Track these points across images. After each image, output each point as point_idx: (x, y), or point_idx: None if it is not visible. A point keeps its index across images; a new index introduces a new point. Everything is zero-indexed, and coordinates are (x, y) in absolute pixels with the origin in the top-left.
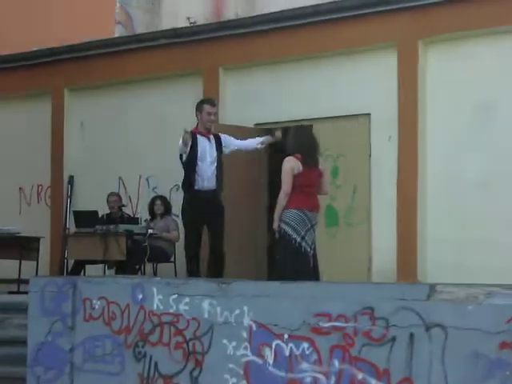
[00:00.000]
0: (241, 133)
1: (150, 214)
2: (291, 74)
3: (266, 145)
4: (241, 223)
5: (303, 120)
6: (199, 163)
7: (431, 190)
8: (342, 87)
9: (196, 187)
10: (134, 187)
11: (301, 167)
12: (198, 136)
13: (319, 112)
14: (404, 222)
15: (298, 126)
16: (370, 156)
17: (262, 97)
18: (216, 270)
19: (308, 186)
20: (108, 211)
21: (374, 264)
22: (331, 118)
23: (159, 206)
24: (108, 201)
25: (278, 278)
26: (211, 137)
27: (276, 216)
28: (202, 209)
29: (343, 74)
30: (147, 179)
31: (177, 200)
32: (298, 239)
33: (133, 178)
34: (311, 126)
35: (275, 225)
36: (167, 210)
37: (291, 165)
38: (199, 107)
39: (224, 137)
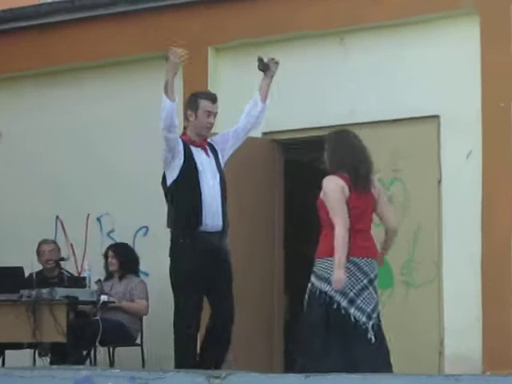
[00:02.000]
0: (242, 146)
1: (106, 271)
2: (319, 56)
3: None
4: (244, 284)
5: (336, 126)
6: (199, 189)
7: None
8: (395, 76)
9: (199, 226)
10: (78, 231)
11: (347, 191)
12: (192, 147)
13: (361, 114)
14: (493, 282)
15: (342, 132)
16: (440, 181)
17: (274, 90)
18: (216, 353)
19: (358, 221)
20: (40, 268)
21: (447, 346)
22: (380, 122)
23: (112, 260)
24: (39, 252)
25: (306, 369)
26: (208, 149)
27: (336, 266)
28: (206, 262)
29: (398, 55)
30: (99, 219)
31: (144, 249)
32: (344, 304)
33: (77, 216)
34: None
35: (336, 278)
36: (130, 265)
37: (339, 183)
38: (193, 103)
39: (216, 140)
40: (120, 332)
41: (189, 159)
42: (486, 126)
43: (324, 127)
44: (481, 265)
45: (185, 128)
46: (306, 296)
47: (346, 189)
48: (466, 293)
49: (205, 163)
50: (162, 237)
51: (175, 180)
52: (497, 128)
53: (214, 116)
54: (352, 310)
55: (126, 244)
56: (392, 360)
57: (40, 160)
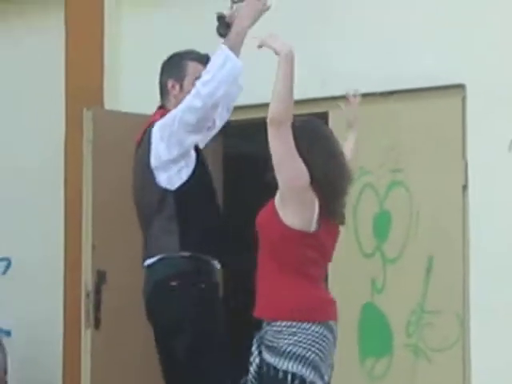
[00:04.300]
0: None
1: None
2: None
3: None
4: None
5: (300, 101)
6: (215, 200)
7: None
8: (402, 28)
9: (215, 260)
10: None
11: (316, 213)
12: None
13: (337, 83)
14: None
15: (308, 122)
16: (466, 188)
17: (208, 42)
18: None
19: (318, 263)
20: None
21: None
22: (370, 96)
23: None
24: None
25: None
26: None
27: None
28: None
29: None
30: None
31: (4, 294)
32: None
33: None
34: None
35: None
36: None
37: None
38: (180, 68)
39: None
40: None
41: (201, 161)
42: None
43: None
44: None
45: (162, 107)
46: None
47: (317, 207)
48: (507, 364)
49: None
50: (33, 275)
51: (186, 182)
52: None
53: None
54: None
55: None
56: None
57: None
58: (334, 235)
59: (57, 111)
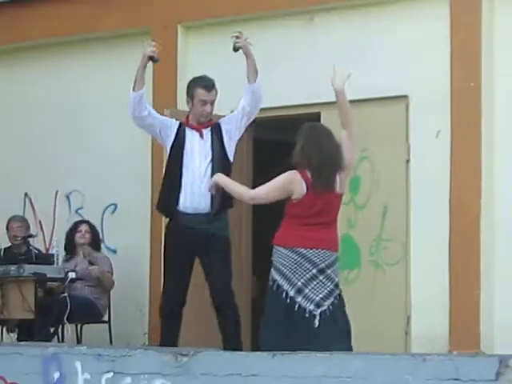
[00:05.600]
0: None
1: (66, 248)
2: (287, 36)
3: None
4: None
5: (304, 105)
6: (184, 169)
7: (502, 215)
8: (363, 56)
9: (177, 207)
10: (47, 208)
11: (304, 190)
12: (187, 129)
13: (329, 94)
14: (460, 262)
15: (313, 127)
16: (408, 162)
17: (242, 69)
18: (230, 333)
19: (312, 216)
20: (8, 244)
21: (413, 326)
22: (353, 101)
23: (86, 234)
24: (8, 228)
25: (260, 347)
26: (205, 131)
27: (223, 181)
28: (188, 243)
29: (366, 35)
30: (68, 196)
31: (112, 227)
32: (291, 292)
33: (46, 194)
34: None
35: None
36: (95, 242)
37: (289, 179)
38: (190, 91)
39: (224, 120)
40: (87, 309)
41: (178, 141)
42: (454, 107)
43: (290, 106)
44: (449, 246)
45: (189, 112)
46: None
47: (304, 188)
48: (432, 271)
49: (195, 145)
50: (131, 215)
51: (167, 160)
52: (465, 108)
53: (212, 104)
54: (299, 299)
55: (92, 223)
56: (360, 341)
57: (4, 138)
58: (327, 197)
59: None
